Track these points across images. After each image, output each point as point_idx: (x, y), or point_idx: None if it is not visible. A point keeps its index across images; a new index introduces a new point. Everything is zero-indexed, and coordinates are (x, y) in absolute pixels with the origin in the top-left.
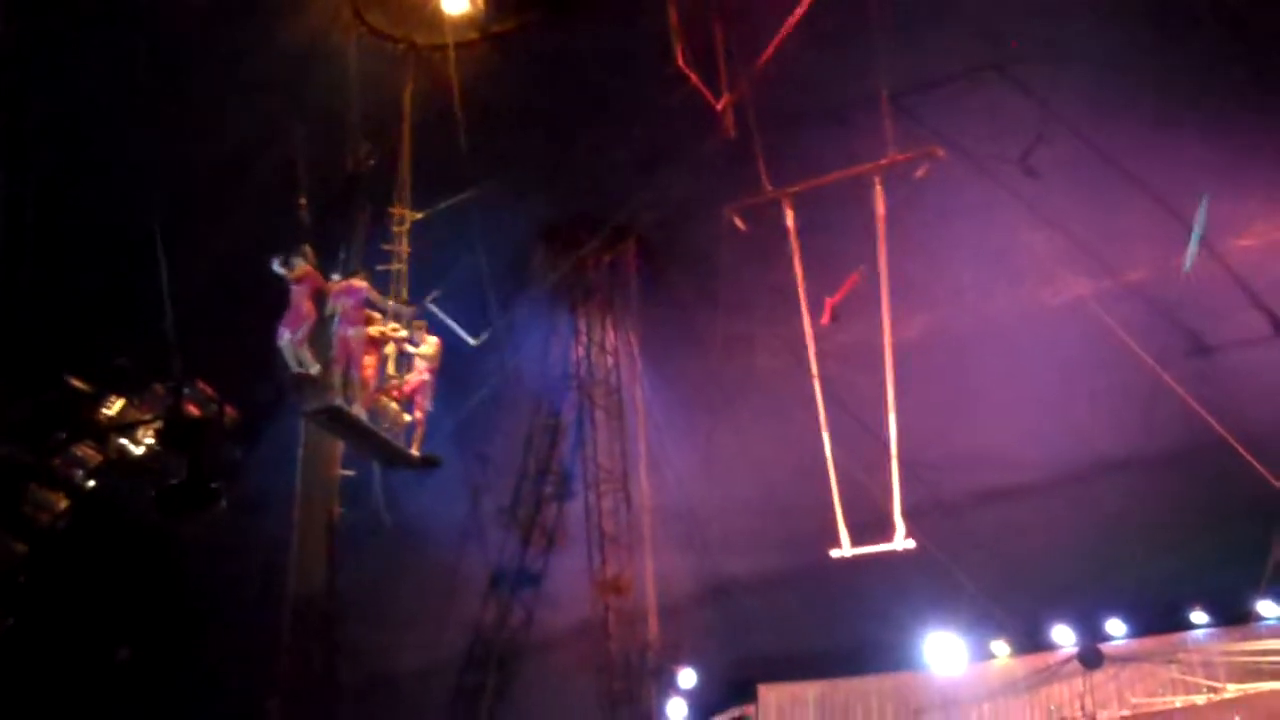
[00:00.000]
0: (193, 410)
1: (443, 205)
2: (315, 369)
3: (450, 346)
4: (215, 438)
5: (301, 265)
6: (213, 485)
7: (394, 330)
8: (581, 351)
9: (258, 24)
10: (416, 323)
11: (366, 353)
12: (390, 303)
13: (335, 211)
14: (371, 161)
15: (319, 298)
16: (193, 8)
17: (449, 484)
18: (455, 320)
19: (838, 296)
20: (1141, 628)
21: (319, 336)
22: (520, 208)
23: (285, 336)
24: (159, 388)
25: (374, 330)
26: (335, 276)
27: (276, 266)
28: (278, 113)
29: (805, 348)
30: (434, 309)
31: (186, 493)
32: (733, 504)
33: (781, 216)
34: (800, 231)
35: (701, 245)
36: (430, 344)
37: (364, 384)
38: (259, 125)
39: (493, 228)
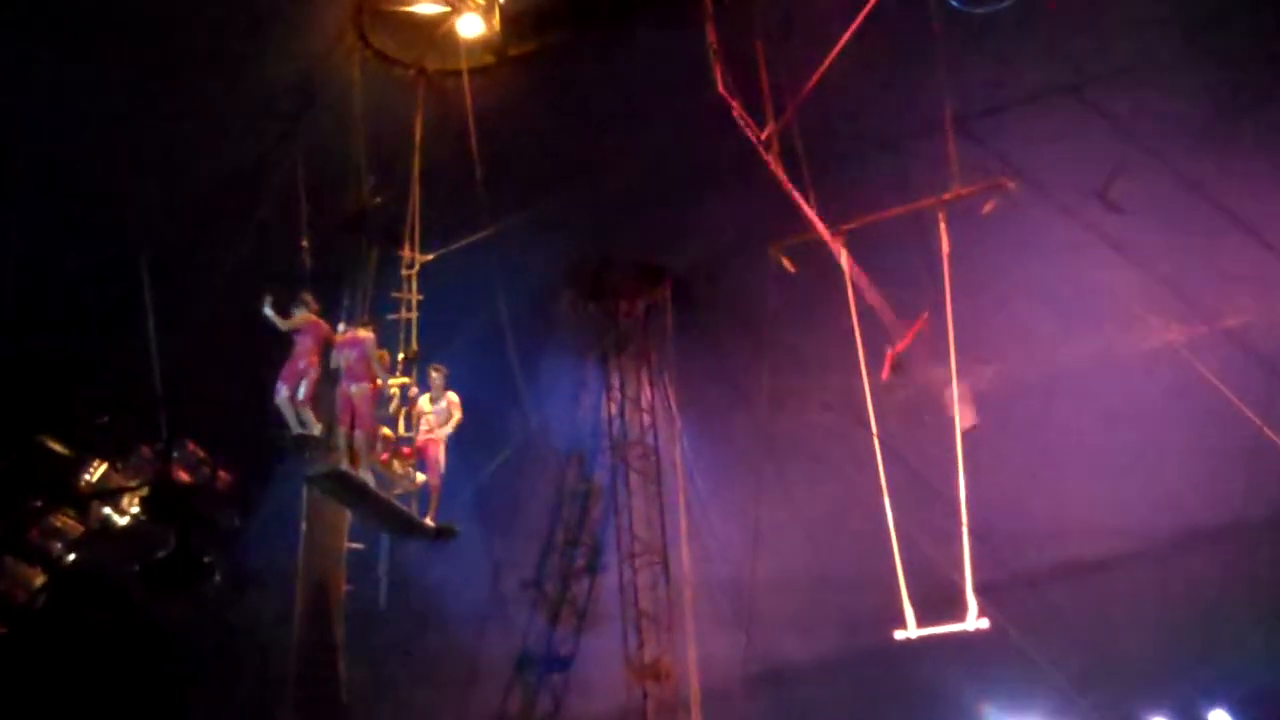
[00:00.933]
0: (182, 475)
1: (457, 246)
2: (317, 429)
3: (468, 403)
4: (207, 505)
5: (303, 314)
6: (205, 559)
7: (396, 381)
8: (614, 408)
9: (254, 49)
10: (434, 374)
11: (374, 410)
12: (396, 356)
13: (339, 254)
14: (379, 198)
15: (324, 349)
16: (181, 30)
17: (467, 556)
18: (473, 374)
19: (900, 346)
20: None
21: (323, 392)
22: (543, 249)
23: (283, 393)
24: (145, 450)
25: (384, 382)
26: (342, 326)
27: (268, 312)
28: (277, 146)
29: (863, 403)
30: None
31: (176, 567)
32: (784, 578)
33: (834, 256)
34: (854, 272)
35: (745, 289)
36: (446, 401)
37: (371, 445)
38: (256, 159)
39: (513, 271)
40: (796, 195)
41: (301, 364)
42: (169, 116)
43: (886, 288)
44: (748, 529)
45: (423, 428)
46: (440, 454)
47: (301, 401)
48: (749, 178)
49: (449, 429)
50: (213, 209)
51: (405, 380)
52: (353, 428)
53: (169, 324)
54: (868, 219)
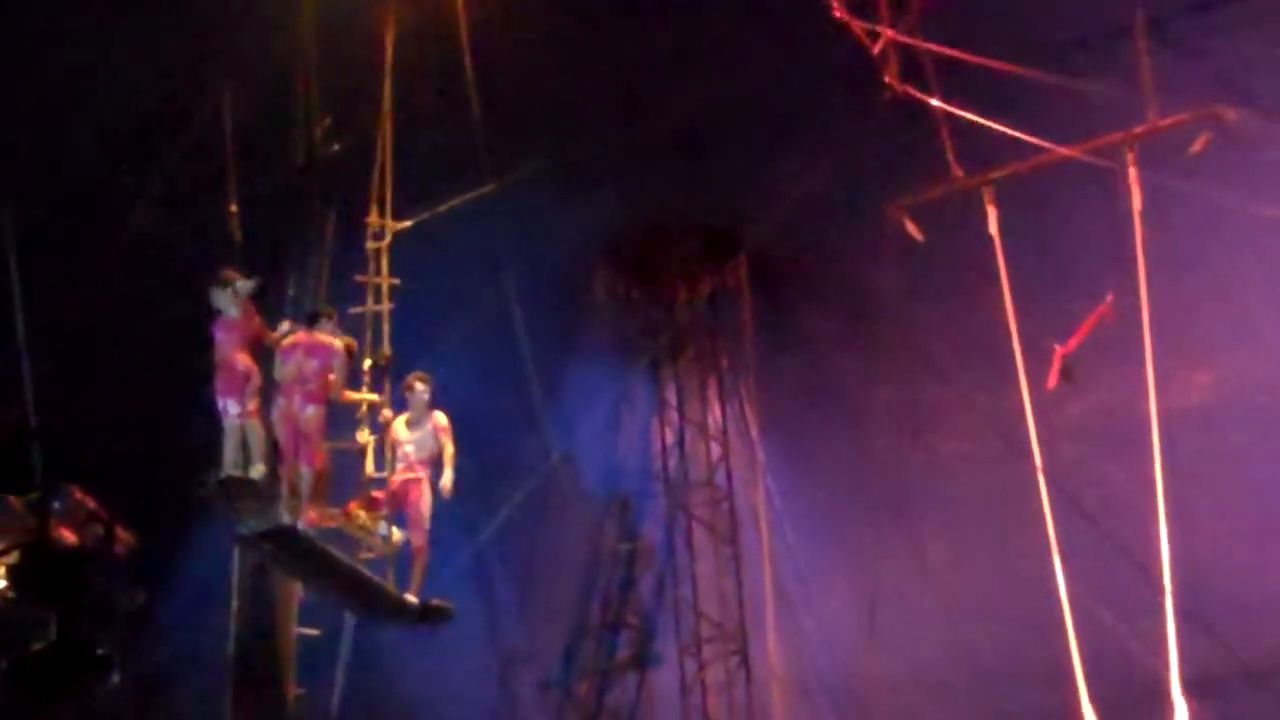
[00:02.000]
0: (65, 535)
1: (444, 209)
2: (258, 470)
3: (465, 427)
4: (100, 577)
5: (233, 298)
6: (98, 651)
7: (360, 396)
8: (670, 434)
9: None
10: (415, 387)
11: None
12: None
13: (280, 221)
14: (336, 146)
15: (254, 351)
16: None
17: (466, 646)
18: (472, 387)
19: (1072, 343)
20: None
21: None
22: (568, 212)
23: (233, 408)
24: (13, 502)
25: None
26: (285, 325)
27: (218, 298)
28: (196, 73)
29: (1020, 424)
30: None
31: (57, 662)
32: (912, 672)
33: (975, 218)
34: (1006, 241)
35: (852, 266)
36: (432, 425)
37: (324, 490)
38: (169, 93)
39: (525, 243)
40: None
41: (241, 365)
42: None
43: (1051, 262)
44: (860, 604)
45: (399, 464)
46: (425, 501)
47: (252, 415)
48: (857, 111)
49: (448, 475)
50: (104, 163)
51: (374, 398)
52: (299, 467)
53: (43, 326)
54: (1025, 164)
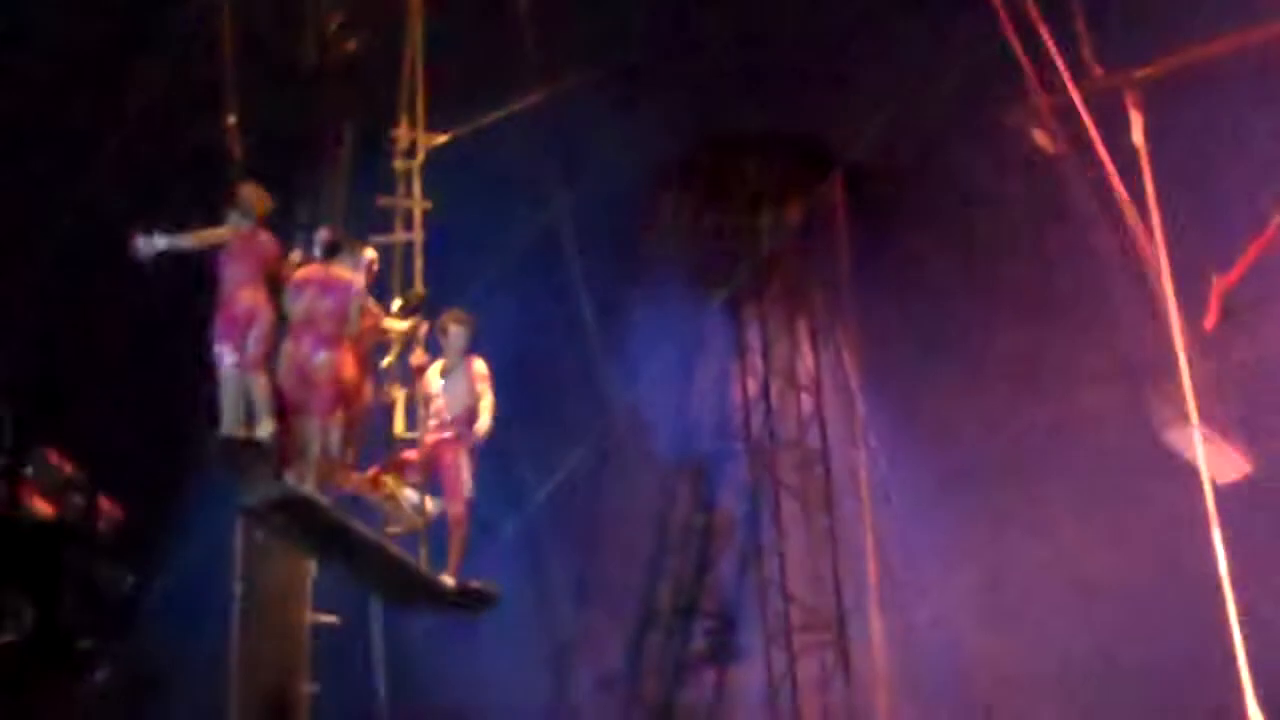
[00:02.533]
0: (41, 506)
1: (485, 122)
2: (266, 428)
3: (510, 377)
4: (83, 556)
5: (239, 220)
6: (81, 643)
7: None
8: (753, 385)
9: None
10: (451, 329)
11: (355, 393)
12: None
13: (289, 137)
14: (352, 43)
15: (271, 285)
16: None
17: (514, 636)
18: (518, 331)
19: (1235, 274)
20: None
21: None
22: (629, 123)
23: (229, 359)
24: None
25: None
26: (296, 255)
27: (150, 242)
28: None
29: (1171, 373)
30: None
31: (33, 656)
32: (1042, 667)
33: (1117, 125)
34: (1154, 153)
35: (969, 185)
36: (470, 373)
37: (348, 452)
38: None
39: (580, 161)
40: None
41: (243, 305)
42: None
43: (1209, 177)
44: (979, 587)
45: (431, 421)
46: (464, 465)
47: (255, 365)
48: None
49: (483, 424)
50: (73, 74)
51: (407, 325)
52: (313, 425)
53: (10, 263)
54: (1177, 59)
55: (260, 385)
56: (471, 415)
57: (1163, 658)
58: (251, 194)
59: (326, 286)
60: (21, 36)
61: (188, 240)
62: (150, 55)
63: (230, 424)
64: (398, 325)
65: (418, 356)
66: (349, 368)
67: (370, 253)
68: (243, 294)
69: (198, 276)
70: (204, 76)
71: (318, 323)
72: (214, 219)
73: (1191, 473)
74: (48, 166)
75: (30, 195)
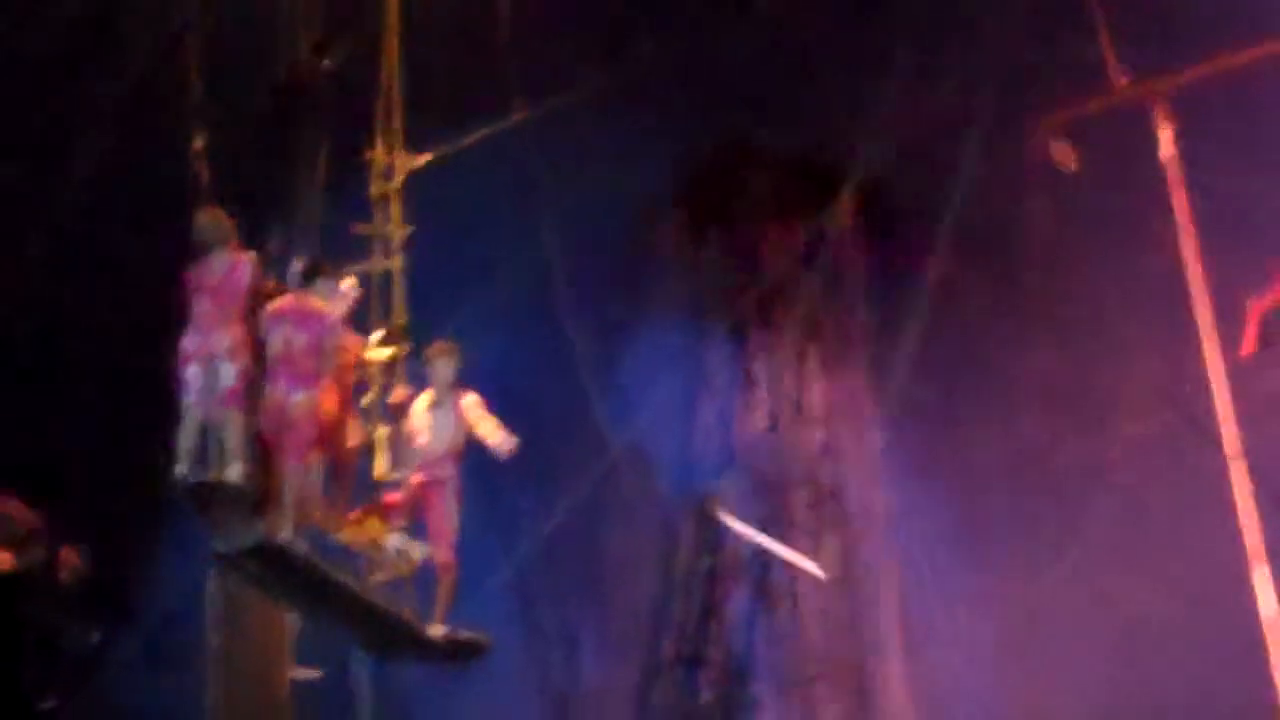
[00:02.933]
0: None
1: (470, 140)
2: (235, 469)
3: (503, 411)
4: (43, 609)
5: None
6: (43, 703)
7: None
8: (761, 418)
9: None
10: (435, 361)
11: (337, 432)
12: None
13: (262, 159)
14: (328, 60)
15: (242, 314)
16: None
17: (508, 687)
18: (508, 363)
19: (1272, 297)
20: None
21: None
22: (627, 141)
23: (192, 393)
24: None
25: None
26: (271, 284)
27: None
28: None
29: (1208, 399)
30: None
31: None
32: (1076, 715)
33: (1144, 139)
34: (1184, 168)
35: (989, 203)
36: (457, 407)
37: (337, 496)
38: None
39: (572, 183)
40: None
41: (218, 332)
42: None
43: (1243, 194)
44: (1011, 630)
45: (417, 460)
46: (450, 507)
47: (224, 404)
48: (994, 6)
49: (505, 440)
50: (39, 89)
51: (389, 352)
52: (289, 466)
53: None
54: (1205, 68)
55: (234, 424)
56: (460, 453)
57: (1208, 703)
58: (211, 219)
59: (302, 319)
60: None
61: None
62: (116, 77)
63: (188, 467)
64: (378, 355)
65: (398, 393)
66: (330, 405)
67: (350, 281)
68: (218, 317)
69: (166, 313)
70: (173, 98)
71: (295, 360)
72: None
73: (1233, 505)
74: (8, 192)
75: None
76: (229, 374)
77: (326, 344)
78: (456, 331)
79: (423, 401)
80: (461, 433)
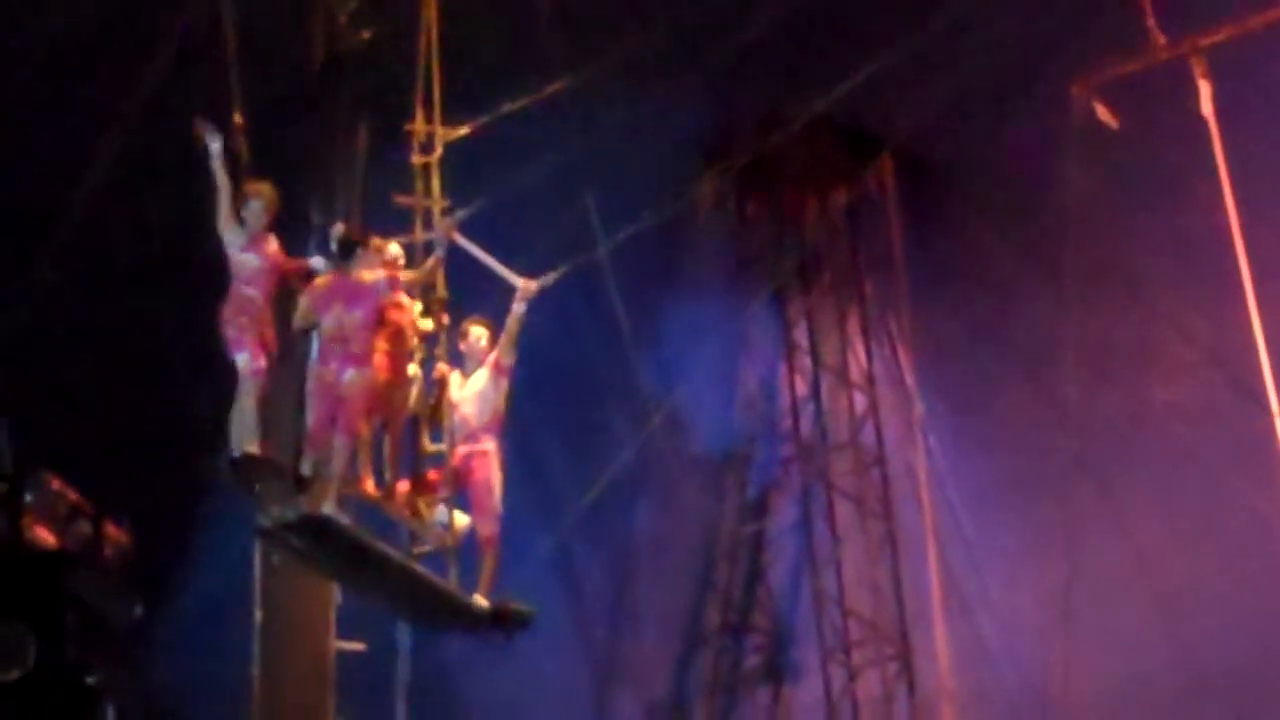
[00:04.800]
0: (42, 533)
1: (507, 111)
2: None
3: (542, 381)
4: (89, 586)
5: (259, 213)
6: (88, 679)
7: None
8: (803, 384)
9: None
10: (471, 335)
11: (390, 401)
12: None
13: (300, 134)
14: (366, 34)
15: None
16: None
17: (551, 659)
18: (548, 332)
19: None
20: None
21: (283, 377)
22: (662, 110)
23: (250, 361)
24: None
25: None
26: (317, 262)
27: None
28: None
29: (1252, 360)
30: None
31: (37, 693)
32: (1117, 682)
33: (1185, 97)
34: (1225, 125)
35: (1026, 164)
36: (492, 377)
37: (369, 469)
38: None
39: (610, 151)
40: None
41: (261, 309)
42: None
43: None
44: (1051, 596)
45: (458, 432)
46: (493, 478)
47: (260, 374)
48: None
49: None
50: (74, 63)
51: (430, 325)
52: (336, 443)
53: (8, 279)
54: (1247, 24)
55: (249, 398)
56: (502, 421)
57: (1251, 666)
58: (262, 193)
59: (353, 296)
60: (13, 32)
61: (225, 192)
62: (153, 49)
63: (242, 439)
64: (423, 325)
65: (439, 368)
66: (383, 375)
67: (395, 248)
68: (259, 297)
69: (201, 289)
70: (210, 71)
71: (348, 339)
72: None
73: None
74: (47, 174)
75: (30, 208)
76: (248, 355)
77: (384, 305)
78: (497, 302)
79: (457, 376)
80: (499, 395)
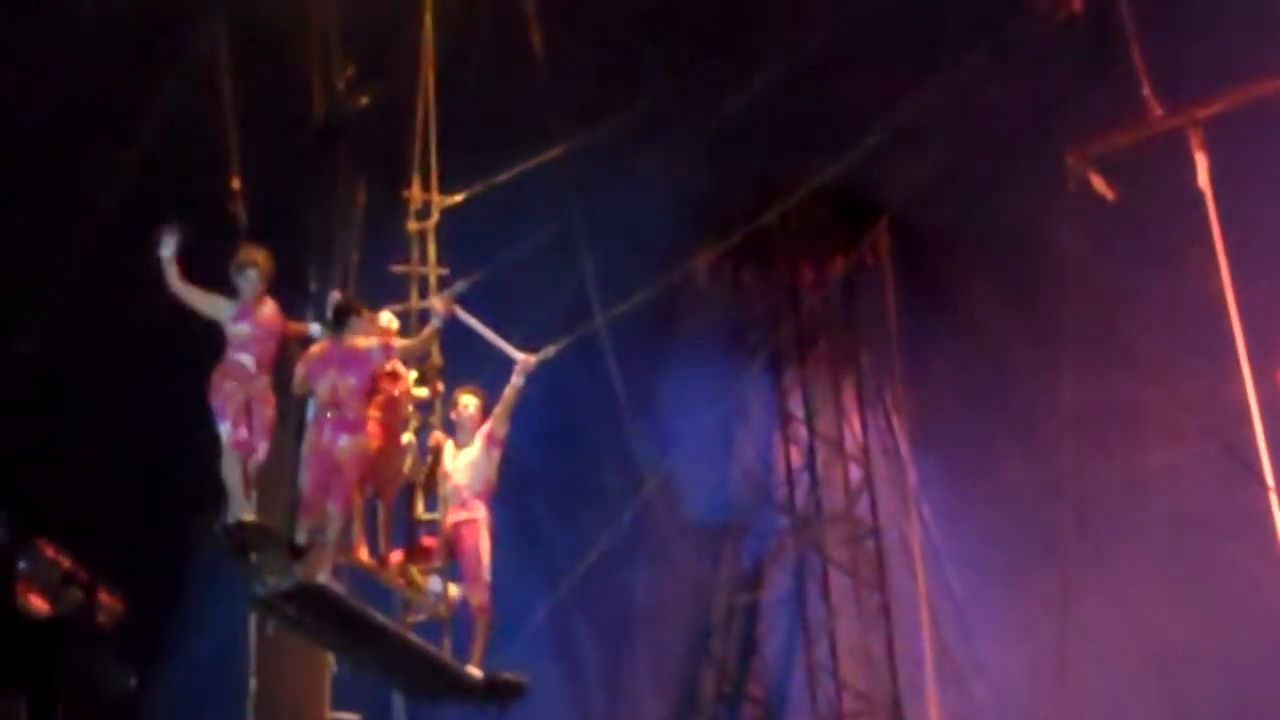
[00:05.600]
0: (36, 601)
1: (504, 178)
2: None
3: (539, 447)
4: (82, 653)
5: (255, 281)
6: None
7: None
8: (798, 454)
9: None
10: (463, 403)
11: (384, 469)
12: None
13: (297, 199)
14: (364, 98)
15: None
16: None
17: None
18: (544, 398)
19: None
20: None
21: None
22: (659, 179)
23: (233, 434)
24: None
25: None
26: (315, 329)
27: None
28: (182, 7)
29: (1244, 427)
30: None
31: None
32: None
33: (1180, 168)
34: (1220, 196)
35: (1022, 234)
36: (484, 445)
37: (363, 537)
38: (147, 34)
39: (607, 219)
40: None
41: (248, 381)
42: None
43: (1276, 219)
44: (1045, 664)
45: (450, 501)
46: (483, 547)
47: (254, 449)
48: (1026, 35)
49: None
50: (70, 124)
51: (425, 393)
52: (330, 511)
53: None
54: (1241, 96)
55: (234, 468)
56: (492, 490)
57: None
58: (257, 262)
59: (348, 363)
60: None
61: (189, 294)
62: (148, 114)
63: (238, 507)
64: (417, 393)
65: (434, 436)
66: (376, 442)
67: (387, 317)
68: (252, 364)
69: (197, 353)
70: (206, 134)
71: (342, 404)
72: (220, 286)
73: (1271, 534)
74: (39, 230)
75: (19, 272)
76: (261, 420)
77: (376, 371)
78: (493, 370)
79: (451, 446)
80: (492, 473)
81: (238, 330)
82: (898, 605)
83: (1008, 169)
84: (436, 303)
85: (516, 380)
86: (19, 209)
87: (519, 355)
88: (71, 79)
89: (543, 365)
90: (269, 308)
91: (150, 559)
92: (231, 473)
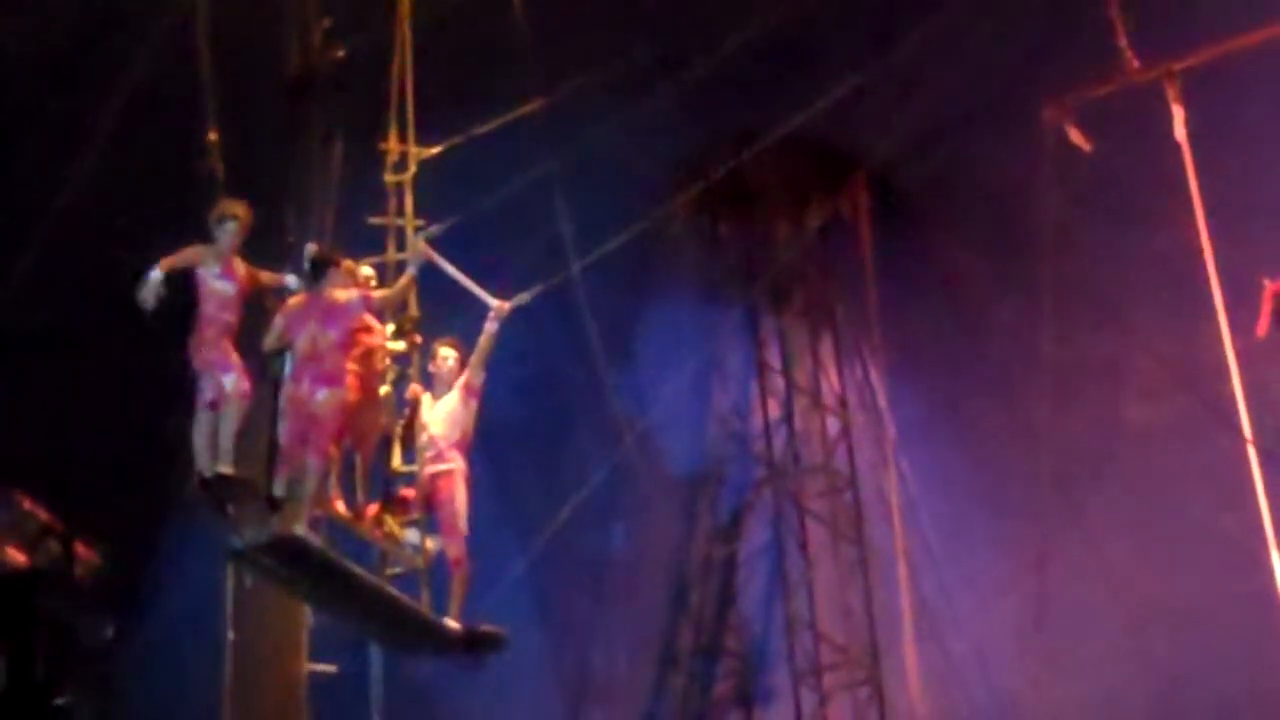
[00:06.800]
0: (13, 554)
1: (481, 131)
2: (225, 467)
3: (512, 403)
4: (59, 605)
5: (232, 232)
6: (58, 699)
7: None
8: (775, 406)
9: None
10: (440, 356)
11: (360, 422)
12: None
13: (273, 152)
14: (339, 52)
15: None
16: None
17: (523, 681)
18: (522, 351)
19: None
20: None
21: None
22: (636, 129)
23: (235, 381)
24: None
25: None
26: (291, 280)
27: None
28: None
29: (1221, 381)
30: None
31: (7, 713)
32: (1088, 703)
33: (1157, 117)
34: (1197, 148)
35: (999, 186)
36: (462, 397)
37: (340, 490)
38: None
39: (584, 170)
40: None
41: (224, 334)
42: None
43: (1256, 174)
44: (1022, 618)
45: (427, 452)
46: (459, 498)
47: (240, 398)
48: None
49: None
50: (45, 81)
51: (402, 345)
52: (309, 464)
53: None
54: (1218, 48)
55: (233, 419)
56: (469, 441)
57: (1225, 689)
58: (237, 214)
59: (328, 315)
60: None
61: (172, 261)
62: (124, 67)
63: (209, 460)
64: (393, 346)
65: (413, 388)
66: (354, 396)
67: (367, 270)
68: (226, 318)
69: (176, 308)
70: (183, 89)
71: (322, 357)
72: (198, 239)
73: (1248, 489)
74: (15, 188)
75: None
76: (235, 376)
77: (356, 326)
78: (470, 322)
79: (428, 397)
80: (469, 423)
81: (222, 288)
82: (875, 557)
83: (985, 121)
84: (413, 245)
85: (490, 326)
86: None
87: (493, 301)
88: (44, 34)
89: (517, 310)
90: (241, 265)
91: (128, 511)
92: (229, 425)
